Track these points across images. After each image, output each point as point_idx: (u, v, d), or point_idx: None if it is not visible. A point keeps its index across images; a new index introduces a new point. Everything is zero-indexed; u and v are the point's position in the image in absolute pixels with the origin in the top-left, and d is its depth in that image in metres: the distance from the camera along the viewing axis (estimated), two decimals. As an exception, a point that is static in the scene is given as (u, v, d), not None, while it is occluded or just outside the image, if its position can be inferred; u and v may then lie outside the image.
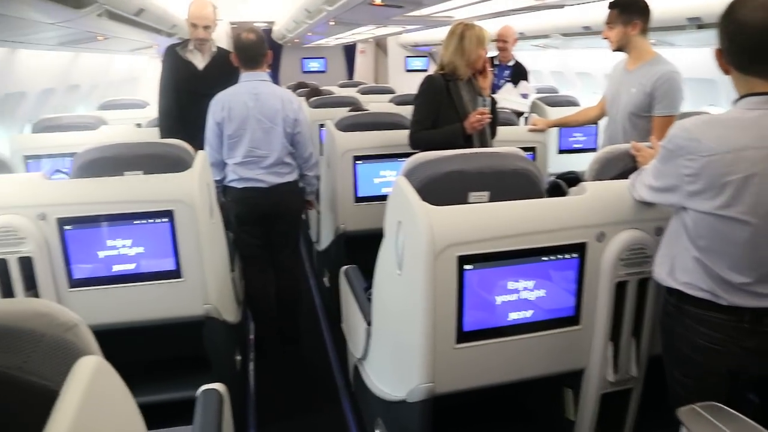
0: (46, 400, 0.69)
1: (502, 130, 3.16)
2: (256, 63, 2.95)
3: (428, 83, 2.83)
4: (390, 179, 3.22)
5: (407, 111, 3.83)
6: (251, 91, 2.91)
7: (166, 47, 3.61)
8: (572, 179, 2.99)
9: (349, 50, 14.11)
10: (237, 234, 3.07)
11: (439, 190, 1.88)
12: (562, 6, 4.37)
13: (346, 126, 3.35)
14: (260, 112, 2.90)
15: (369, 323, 2.27)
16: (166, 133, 3.49)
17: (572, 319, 1.89)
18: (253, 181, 2.96)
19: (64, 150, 3.44)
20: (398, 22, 5.64)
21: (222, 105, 2.90)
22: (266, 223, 3.06)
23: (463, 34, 2.77)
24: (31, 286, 2.09)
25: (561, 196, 1.93)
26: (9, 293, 2.06)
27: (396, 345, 1.97)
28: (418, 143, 2.80)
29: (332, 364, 3.20)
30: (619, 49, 2.82)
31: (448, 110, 2.80)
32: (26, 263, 2.06)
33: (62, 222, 2.08)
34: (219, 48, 3.60)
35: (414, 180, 1.87)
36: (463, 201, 1.93)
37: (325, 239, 3.61)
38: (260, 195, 2.97)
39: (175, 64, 3.52)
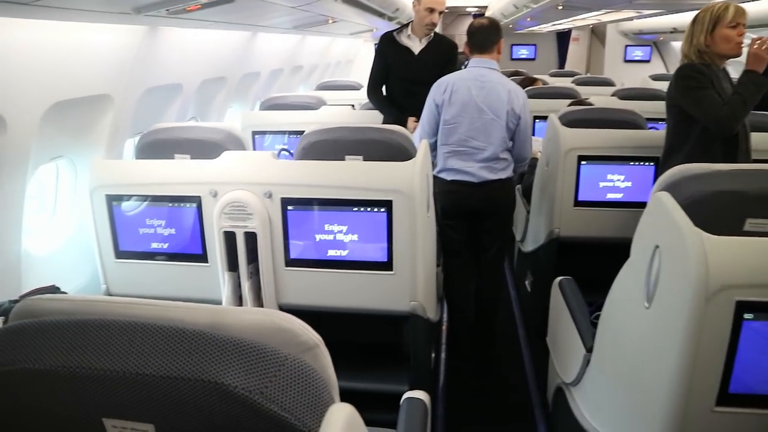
0: None
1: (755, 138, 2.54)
2: (485, 49, 2.77)
3: (695, 73, 2.38)
4: (618, 184, 2.84)
5: (639, 107, 3.40)
6: (477, 78, 2.74)
7: (382, 34, 3.63)
8: None
9: (563, 37, 13.27)
10: (441, 227, 2.95)
11: (708, 212, 1.52)
12: None
13: (570, 121, 3.03)
14: (484, 101, 2.71)
15: (589, 349, 1.99)
16: (387, 112, 3.53)
17: None
18: (463, 174, 2.80)
19: (287, 128, 3.63)
20: (639, 6, 5.00)
21: (444, 87, 2.77)
22: (473, 220, 2.90)
23: (720, 16, 2.33)
24: (253, 260, 2.17)
25: None
26: (234, 264, 2.17)
27: (630, 387, 1.66)
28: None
29: (527, 375, 2.96)
30: None
31: None
32: (251, 238, 2.14)
33: (285, 202, 2.11)
34: (436, 33, 3.54)
35: (677, 197, 1.54)
36: (738, 229, 1.55)
37: (532, 241, 3.34)
38: (469, 190, 2.80)
39: (390, 50, 3.53)
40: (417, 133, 2.92)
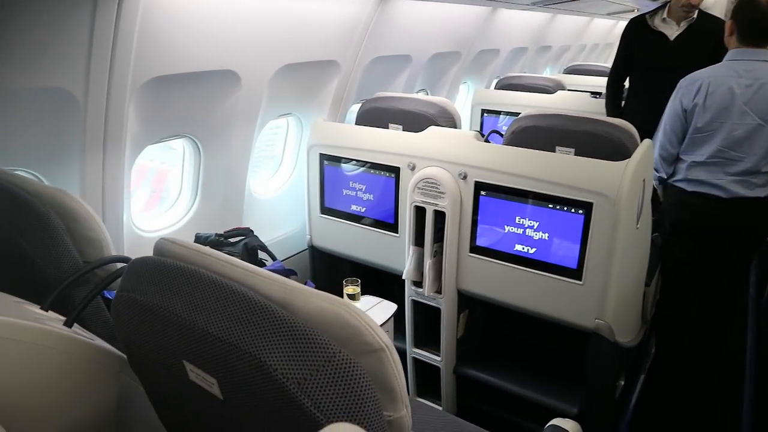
0: None
1: None
2: (763, 38, 2.23)
3: None
4: None
5: None
6: (742, 74, 2.22)
7: (631, 18, 3.20)
8: None
9: None
10: (666, 244, 2.54)
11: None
12: None
13: None
14: (749, 103, 2.20)
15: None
16: (610, 109, 3.17)
17: None
18: (709, 187, 2.32)
19: (517, 109, 3.47)
20: None
21: (697, 87, 2.29)
22: (708, 241, 2.43)
23: None
24: (439, 239, 2.13)
25: None
26: (421, 239, 2.16)
27: None
28: None
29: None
30: None
31: None
32: (440, 216, 2.09)
33: (479, 186, 2.02)
34: (701, 12, 2.99)
35: None
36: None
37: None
38: (714, 206, 2.32)
39: (639, 36, 3.10)
40: (656, 143, 2.49)
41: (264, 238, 2.29)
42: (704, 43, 2.86)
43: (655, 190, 2.61)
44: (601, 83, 4.35)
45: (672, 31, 2.99)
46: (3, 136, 1.59)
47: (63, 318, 1.02)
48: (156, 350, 0.77)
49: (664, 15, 3.01)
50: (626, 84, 3.34)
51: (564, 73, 5.41)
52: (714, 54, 2.55)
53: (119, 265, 1.17)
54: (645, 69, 3.09)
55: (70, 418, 0.95)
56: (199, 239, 2.10)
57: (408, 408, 0.73)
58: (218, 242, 2.05)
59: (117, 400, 1.00)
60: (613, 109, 3.22)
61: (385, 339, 0.67)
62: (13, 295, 1.08)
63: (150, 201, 2.56)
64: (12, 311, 0.92)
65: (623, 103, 3.31)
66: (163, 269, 0.75)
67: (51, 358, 0.91)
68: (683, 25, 2.97)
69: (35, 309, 1.04)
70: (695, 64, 2.44)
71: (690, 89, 2.31)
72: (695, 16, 2.97)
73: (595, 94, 3.96)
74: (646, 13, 3.12)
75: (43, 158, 1.72)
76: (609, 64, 3.46)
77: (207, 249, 0.79)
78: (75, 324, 1.02)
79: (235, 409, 0.70)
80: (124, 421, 1.02)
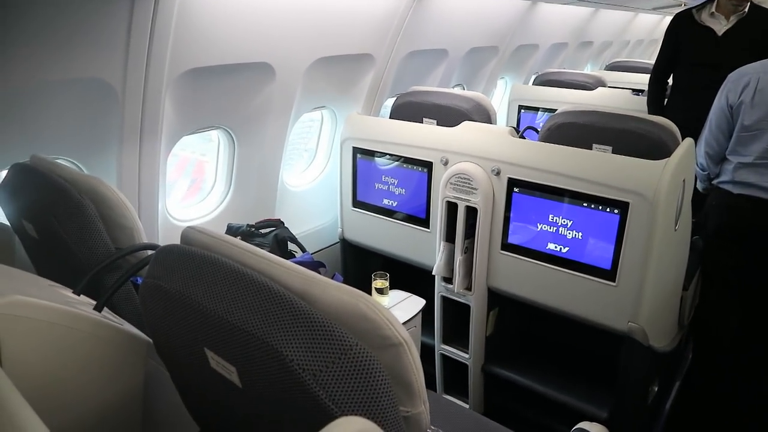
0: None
1: None
2: None
3: None
4: None
5: None
6: None
7: (676, 13, 3.08)
8: None
9: None
10: (709, 247, 2.44)
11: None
12: None
13: None
14: None
15: None
16: (651, 107, 3.05)
17: None
18: (757, 189, 2.22)
19: (555, 106, 3.39)
20: None
21: (744, 83, 2.19)
22: (754, 245, 2.32)
23: None
24: (470, 235, 2.11)
25: None
26: (452, 235, 2.14)
27: None
28: None
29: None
30: None
31: None
32: (471, 213, 2.07)
33: (512, 182, 1.98)
34: (753, 6, 2.83)
35: None
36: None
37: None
38: (761, 209, 2.23)
39: (685, 30, 2.97)
40: (702, 141, 2.41)
41: (296, 230, 2.31)
42: (755, 38, 2.73)
43: (697, 191, 2.53)
44: (643, 80, 4.23)
45: (720, 26, 2.86)
46: (44, 125, 1.64)
47: (94, 302, 1.05)
48: (179, 337, 0.78)
49: (713, 9, 2.87)
50: (669, 81, 3.23)
51: (605, 69, 5.28)
52: (766, 49, 2.43)
53: (149, 252, 1.19)
54: (690, 65, 2.96)
55: (98, 400, 0.97)
56: (230, 230, 2.13)
57: (426, 404, 0.72)
58: (249, 233, 2.07)
59: (144, 383, 1.02)
60: (655, 106, 3.12)
61: (404, 333, 0.66)
62: (48, 279, 1.12)
63: (190, 191, 2.61)
64: (45, 294, 0.94)
65: (666, 101, 3.20)
66: (187, 257, 0.76)
67: (81, 341, 0.93)
68: (732, 19, 2.83)
69: (68, 293, 1.07)
70: (744, 60, 2.32)
71: (737, 84, 2.22)
72: (746, 10, 2.82)
73: (637, 92, 3.85)
74: (693, 7, 2.98)
75: (81, 147, 1.77)
76: (653, 61, 3.36)
77: (230, 238, 0.80)
78: (105, 309, 1.04)
79: (253, 397, 0.70)
80: (151, 403, 1.04)
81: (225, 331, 0.66)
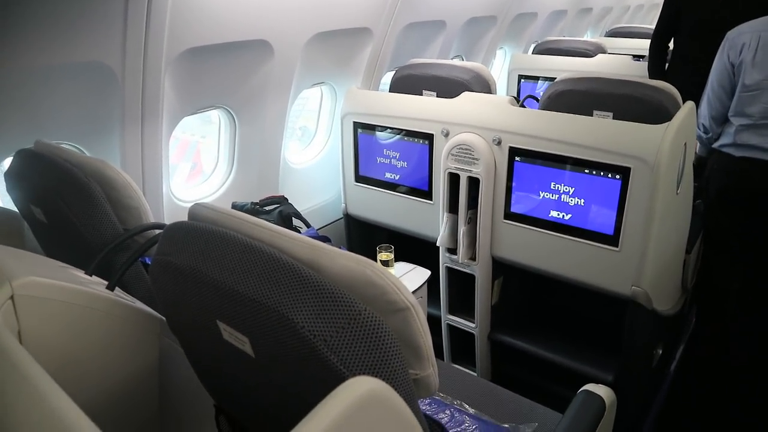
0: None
1: None
2: None
3: None
4: None
5: None
6: None
7: None
8: None
9: None
10: (711, 211, 2.45)
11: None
12: None
13: None
14: None
15: None
16: (652, 72, 3.02)
17: None
18: (760, 152, 2.21)
19: (555, 74, 3.37)
20: None
21: (744, 41, 2.17)
22: (756, 209, 2.33)
23: None
24: (473, 206, 2.12)
25: None
26: (455, 206, 2.15)
27: None
28: None
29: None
30: None
31: None
32: (474, 183, 2.08)
33: (514, 151, 1.99)
34: None
35: None
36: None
37: None
38: (764, 172, 2.23)
39: None
40: (703, 102, 2.40)
41: (300, 206, 2.32)
42: (757, 2, 2.69)
43: (698, 156, 2.52)
44: (644, 46, 4.18)
45: None
46: (47, 111, 1.65)
47: (106, 282, 1.07)
48: (191, 311, 0.80)
49: None
50: (671, 46, 3.20)
51: (605, 36, 5.22)
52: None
53: (157, 231, 1.21)
54: (691, 29, 2.92)
55: (116, 379, 1.00)
56: (235, 207, 2.15)
57: (435, 367, 0.74)
58: (254, 210, 2.09)
59: (158, 360, 1.05)
60: (655, 71, 3.10)
61: (411, 298, 0.68)
62: (59, 261, 1.14)
63: (192, 174, 2.62)
64: (58, 275, 0.96)
65: (667, 66, 3.18)
66: (196, 232, 0.77)
67: (97, 320, 0.95)
68: None
69: (80, 273, 1.09)
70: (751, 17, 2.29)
71: (735, 42, 2.20)
72: None
73: (638, 57, 3.81)
74: None
75: (84, 131, 1.78)
76: (653, 26, 3.32)
77: (237, 213, 0.81)
78: (117, 288, 1.06)
79: (266, 366, 0.72)
80: (166, 380, 1.06)
81: (236, 303, 0.68)
